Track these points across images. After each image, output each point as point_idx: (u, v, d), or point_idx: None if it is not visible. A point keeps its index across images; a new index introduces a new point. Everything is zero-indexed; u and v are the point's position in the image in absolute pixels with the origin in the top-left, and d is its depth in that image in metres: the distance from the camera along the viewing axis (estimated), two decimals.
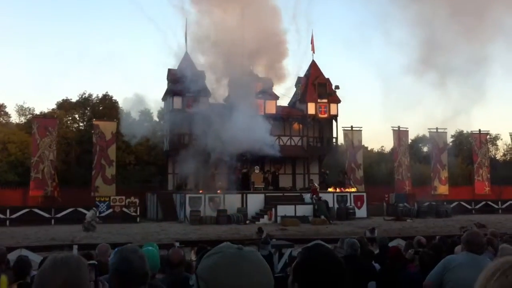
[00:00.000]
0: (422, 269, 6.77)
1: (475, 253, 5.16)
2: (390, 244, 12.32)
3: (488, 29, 37.67)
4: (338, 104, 40.03)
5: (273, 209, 32.36)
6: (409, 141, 46.15)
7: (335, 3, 73.09)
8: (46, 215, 32.19)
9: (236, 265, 1.54)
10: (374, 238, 22.52)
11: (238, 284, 1.52)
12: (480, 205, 41.38)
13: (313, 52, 41.46)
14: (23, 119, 49.59)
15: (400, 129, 42.58)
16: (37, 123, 36.35)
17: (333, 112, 39.83)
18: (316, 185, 35.54)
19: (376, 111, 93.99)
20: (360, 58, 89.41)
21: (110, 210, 33.64)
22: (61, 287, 2.12)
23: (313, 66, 41.39)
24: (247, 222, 31.42)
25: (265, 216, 32.12)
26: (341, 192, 36.41)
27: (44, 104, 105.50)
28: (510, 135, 48.28)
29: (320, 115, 39.44)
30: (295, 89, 41.74)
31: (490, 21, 37.09)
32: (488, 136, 48.38)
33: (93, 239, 21.81)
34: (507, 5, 38.36)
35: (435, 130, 43.76)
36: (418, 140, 59.72)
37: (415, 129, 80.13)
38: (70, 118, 48.01)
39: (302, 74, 41.47)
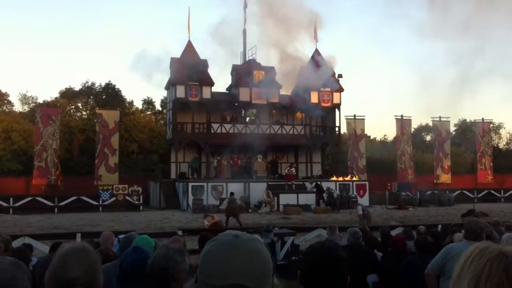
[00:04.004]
0: (419, 254, 6.85)
1: (474, 241, 5.18)
2: (392, 233, 12.37)
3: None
4: (341, 93, 39.97)
5: (276, 198, 32.43)
6: (412, 129, 46.08)
7: None
8: (49, 203, 32.30)
9: (228, 252, 1.54)
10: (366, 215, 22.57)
11: (227, 271, 1.52)
12: (483, 193, 41.39)
13: (316, 41, 41.35)
14: (26, 108, 49.72)
15: (403, 118, 42.51)
16: (40, 111, 36.37)
17: (336, 101, 39.77)
18: (292, 170, 35.22)
19: (379, 100, 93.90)
20: (363, 46, 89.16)
21: (113, 199, 33.74)
22: (86, 271, 2.23)
23: (316, 54, 41.21)
24: (249, 210, 31.52)
25: (268, 205, 32.16)
26: (344, 180, 36.52)
27: (47, 92, 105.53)
28: None
29: (323, 104, 39.37)
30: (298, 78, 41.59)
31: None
32: (491, 125, 48.30)
33: (95, 227, 21.94)
34: None
35: (438, 119, 43.68)
36: (421, 128, 59.71)
37: (418, 118, 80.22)
38: (73, 106, 48.06)
39: (305, 63, 41.29)
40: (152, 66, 49.63)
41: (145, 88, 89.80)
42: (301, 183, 35.17)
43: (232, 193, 26.57)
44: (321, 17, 37.59)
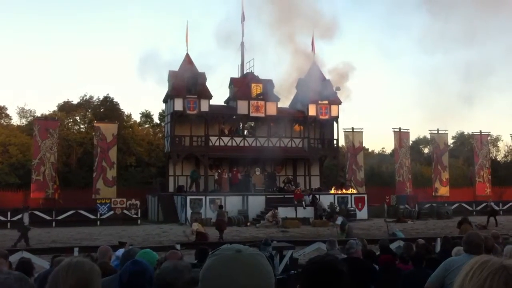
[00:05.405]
0: (416, 267, 6.87)
1: (474, 254, 5.16)
2: (391, 246, 12.33)
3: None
4: (339, 106, 39.99)
5: (274, 211, 32.32)
6: (410, 142, 46.12)
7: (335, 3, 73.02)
8: (47, 217, 32.15)
9: (230, 267, 1.55)
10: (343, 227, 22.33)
11: (229, 286, 1.52)
12: (481, 206, 41.28)
13: (314, 53, 41.46)
14: (24, 121, 49.72)
15: (401, 130, 42.54)
16: (38, 125, 36.35)
17: (334, 113, 39.78)
18: (298, 189, 34.64)
19: (377, 112, 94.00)
20: (361, 58, 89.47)
21: (111, 212, 33.60)
22: (73, 286, 2.24)
23: (314, 67, 41.29)
24: (248, 224, 31.42)
25: (266, 218, 32.07)
26: (342, 193, 36.46)
27: (45, 106, 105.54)
28: (511, 136, 48.26)
29: (321, 117, 39.40)
30: (295, 90, 41.68)
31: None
32: (489, 137, 48.35)
33: (92, 241, 21.85)
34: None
35: (436, 131, 43.74)
36: (419, 141, 59.76)
37: (416, 130, 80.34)
38: (71, 120, 48.05)
39: (303, 76, 41.39)
40: (152, 70, 49.93)
41: (143, 101, 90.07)
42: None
43: (221, 206, 26.53)
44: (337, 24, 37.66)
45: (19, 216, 23.64)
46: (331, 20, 39.22)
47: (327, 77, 39.89)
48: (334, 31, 38.66)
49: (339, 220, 23.29)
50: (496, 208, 32.51)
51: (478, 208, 40.76)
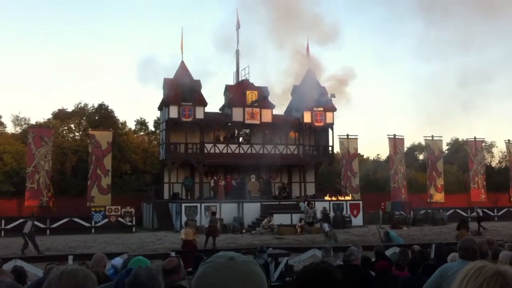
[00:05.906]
0: (412, 274, 6.88)
1: (470, 260, 5.15)
2: (387, 252, 12.32)
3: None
4: (334, 113, 40.06)
5: (270, 218, 32.27)
6: (405, 149, 46.19)
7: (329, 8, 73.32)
8: (41, 225, 31.90)
9: (223, 275, 1.54)
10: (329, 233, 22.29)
11: None
12: (474, 213, 41.36)
13: (309, 60, 41.46)
14: (18, 129, 49.61)
15: (396, 137, 42.63)
16: (32, 133, 36.23)
17: (329, 120, 39.85)
18: (301, 224, 31.71)
19: (372, 119, 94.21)
20: (355, 65, 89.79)
21: (106, 220, 33.47)
22: None
23: (309, 74, 41.38)
24: (243, 231, 31.35)
25: (261, 225, 32.02)
26: (337, 200, 36.46)
27: (40, 114, 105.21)
28: (505, 142, 48.40)
29: (316, 124, 39.46)
30: (290, 97, 41.76)
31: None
32: (483, 144, 48.49)
33: (87, 249, 21.76)
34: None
35: (430, 138, 43.84)
36: (414, 147, 59.92)
37: (411, 137, 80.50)
38: (66, 127, 47.98)
39: (298, 83, 41.49)
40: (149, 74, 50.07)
41: (138, 108, 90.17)
42: (295, 203, 35.08)
43: (214, 213, 26.40)
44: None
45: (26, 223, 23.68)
46: (329, 26, 39.22)
47: (326, 83, 40.03)
48: (332, 37, 38.62)
49: (325, 227, 23.36)
50: (481, 214, 32.61)
51: (473, 214, 40.84)
